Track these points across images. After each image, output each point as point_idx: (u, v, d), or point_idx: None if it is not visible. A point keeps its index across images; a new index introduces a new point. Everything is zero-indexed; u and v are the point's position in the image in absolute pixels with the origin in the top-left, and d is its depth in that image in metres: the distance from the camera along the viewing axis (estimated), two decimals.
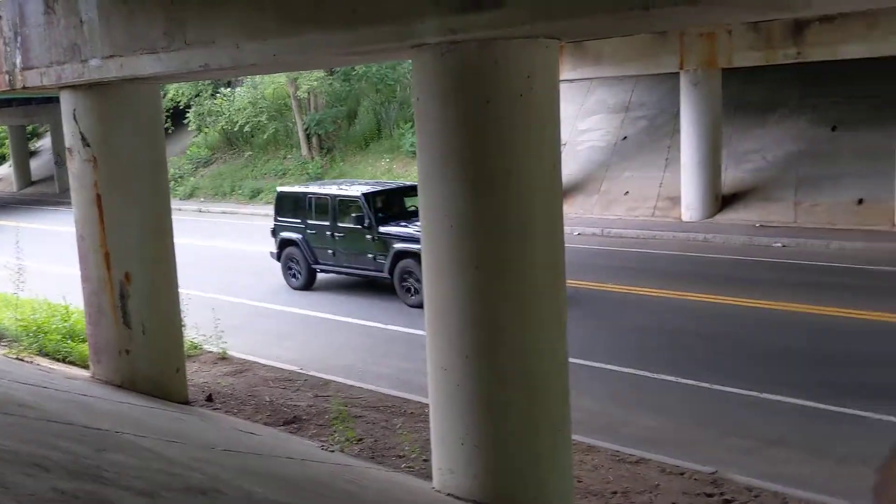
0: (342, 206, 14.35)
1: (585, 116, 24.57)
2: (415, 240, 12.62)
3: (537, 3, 4.48)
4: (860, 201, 18.12)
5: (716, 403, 8.54)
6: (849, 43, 16.94)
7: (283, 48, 5.84)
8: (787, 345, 10.34)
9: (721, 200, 19.86)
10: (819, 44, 17.34)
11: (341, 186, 15.30)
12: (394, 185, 15.45)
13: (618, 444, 7.47)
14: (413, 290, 13.03)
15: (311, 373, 9.99)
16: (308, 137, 29.54)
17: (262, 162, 30.96)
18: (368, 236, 13.80)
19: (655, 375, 9.43)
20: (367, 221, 13.76)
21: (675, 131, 21.04)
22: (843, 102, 19.98)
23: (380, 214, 13.95)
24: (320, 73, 28.37)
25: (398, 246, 13.35)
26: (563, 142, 23.15)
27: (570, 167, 23.17)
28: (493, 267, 5.29)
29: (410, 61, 5.64)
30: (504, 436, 5.42)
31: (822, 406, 8.18)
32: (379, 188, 14.78)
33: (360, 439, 7.66)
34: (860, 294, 12.55)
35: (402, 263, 13.31)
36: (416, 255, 12.27)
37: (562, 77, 20.71)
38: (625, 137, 23.26)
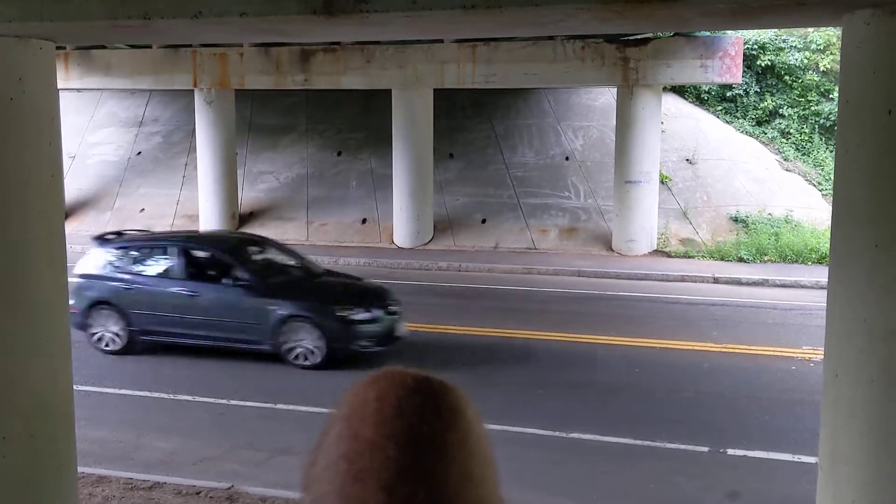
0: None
1: (96, 129, 23.29)
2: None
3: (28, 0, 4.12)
4: (364, 221, 19.84)
5: (230, 418, 8.64)
6: (349, 74, 18.47)
7: None
8: None
9: (239, 219, 20.24)
10: (324, 73, 18.62)
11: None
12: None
13: (131, 471, 7.15)
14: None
15: None
16: None
17: None
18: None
19: (172, 396, 9.24)
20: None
21: (192, 148, 20.94)
22: (346, 130, 21.72)
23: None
24: None
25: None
26: (72, 154, 21.81)
27: (81, 181, 21.79)
28: None
29: None
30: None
31: (322, 410, 8.73)
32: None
33: None
34: None
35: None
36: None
37: (68, 85, 19.49)
38: (139, 153, 22.54)
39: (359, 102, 21.25)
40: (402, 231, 18.97)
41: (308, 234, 19.64)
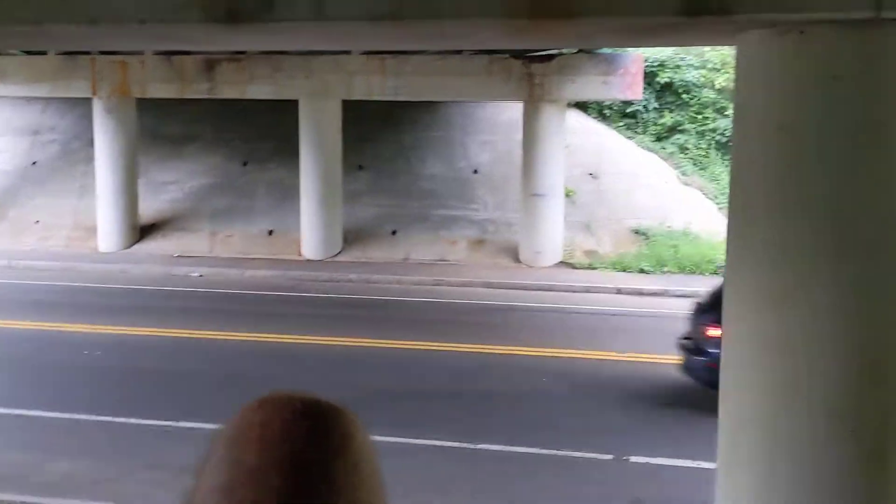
0: None
1: None
2: None
3: None
4: (270, 232, 19.55)
5: (133, 438, 8.37)
6: (255, 83, 18.18)
7: None
8: (199, 371, 10.62)
9: (139, 230, 19.66)
10: (229, 82, 18.28)
11: None
12: None
13: (26, 494, 6.85)
14: None
15: None
16: None
17: None
18: None
19: (72, 416, 8.88)
20: None
21: (91, 158, 20.24)
22: (253, 139, 21.37)
23: None
24: None
25: None
26: None
27: None
28: None
29: None
30: None
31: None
32: None
33: None
34: (267, 319, 13.50)
35: None
36: None
37: None
38: (34, 162, 21.69)
39: (266, 112, 20.97)
40: (310, 243, 18.77)
41: (212, 247, 19.23)
